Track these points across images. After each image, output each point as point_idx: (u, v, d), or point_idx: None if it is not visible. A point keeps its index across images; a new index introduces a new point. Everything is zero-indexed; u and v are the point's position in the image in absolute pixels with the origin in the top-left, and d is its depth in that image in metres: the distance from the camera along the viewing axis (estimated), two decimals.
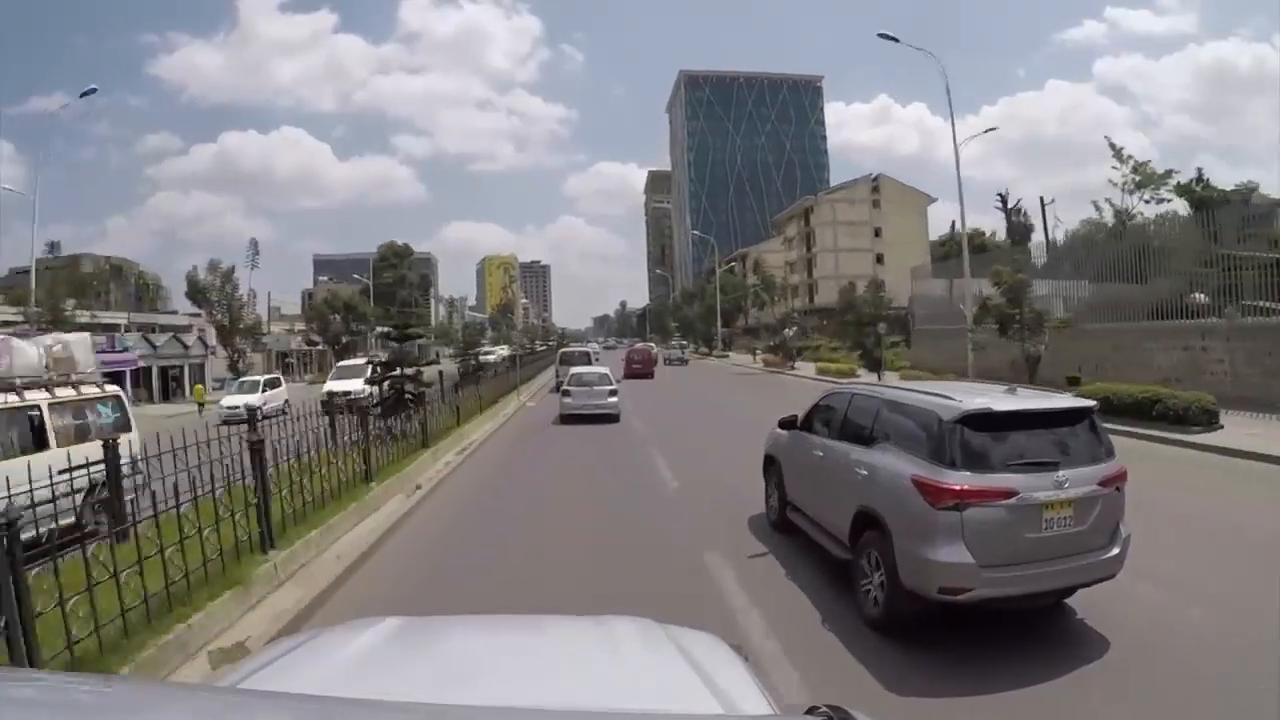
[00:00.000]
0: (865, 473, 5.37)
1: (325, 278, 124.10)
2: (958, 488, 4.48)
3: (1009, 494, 4.46)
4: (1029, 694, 4.12)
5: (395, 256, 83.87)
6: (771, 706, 1.48)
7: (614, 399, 17.87)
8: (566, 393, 18.29)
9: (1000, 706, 4.03)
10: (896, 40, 26.24)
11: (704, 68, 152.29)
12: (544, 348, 55.14)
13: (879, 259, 68.30)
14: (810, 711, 1.31)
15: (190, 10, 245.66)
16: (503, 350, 54.02)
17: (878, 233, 72.62)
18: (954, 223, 47.54)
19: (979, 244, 40.46)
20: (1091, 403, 5.20)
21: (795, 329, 46.15)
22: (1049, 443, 4.82)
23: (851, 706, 1.34)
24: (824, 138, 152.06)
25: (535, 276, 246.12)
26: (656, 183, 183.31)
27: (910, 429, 5.12)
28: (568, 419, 17.52)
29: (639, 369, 35.21)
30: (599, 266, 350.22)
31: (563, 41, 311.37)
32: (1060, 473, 4.60)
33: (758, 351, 50.74)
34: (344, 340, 52.61)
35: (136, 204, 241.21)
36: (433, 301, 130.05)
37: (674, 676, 1.57)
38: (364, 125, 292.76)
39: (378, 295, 76.58)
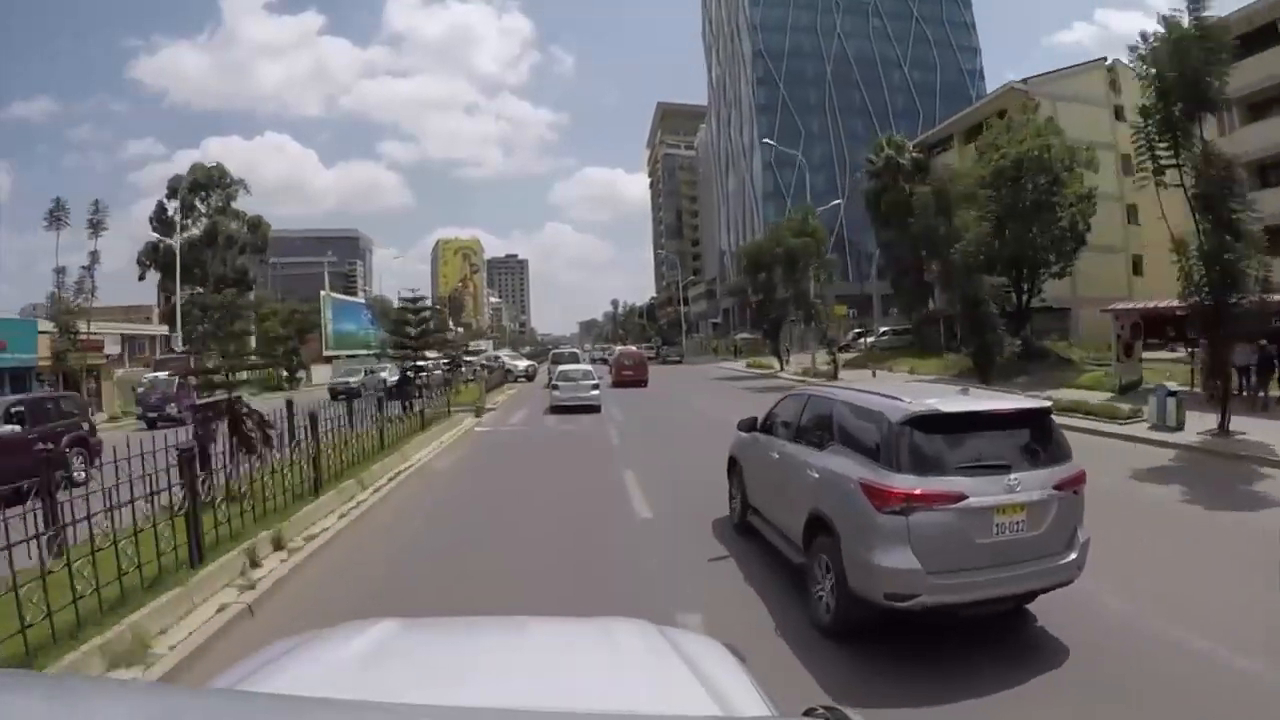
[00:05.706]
0: (817, 476, 5.27)
1: None
2: (903, 491, 4.39)
3: (957, 498, 4.37)
4: (981, 703, 4.03)
5: (199, 189, 44.36)
6: (769, 708, 1.48)
7: (595, 392, 21.21)
8: (556, 388, 21.42)
9: (949, 716, 3.94)
10: None
11: None
12: (479, 367, 32.77)
13: None
14: (808, 713, 1.32)
15: (173, 10, 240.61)
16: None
17: None
18: None
19: None
20: (1047, 403, 5.15)
21: None
22: (1001, 444, 4.73)
23: (847, 708, 1.35)
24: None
25: (511, 273, 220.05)
26: (669, 120, 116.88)
27: (859, 432, 5.03)
28: (557, 409, 20.69)
29: (629, 375, 29.61)
30: (586, 273, 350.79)
31: (552, 43, 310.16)
32: (1012, 475, 4.51)
33: None
34: None
35: (119, 209, 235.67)
36: (363, 293, 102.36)
37: (671, 678, 1.56)
38: (350, 130, 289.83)
39: (181, 266, 40.51)
